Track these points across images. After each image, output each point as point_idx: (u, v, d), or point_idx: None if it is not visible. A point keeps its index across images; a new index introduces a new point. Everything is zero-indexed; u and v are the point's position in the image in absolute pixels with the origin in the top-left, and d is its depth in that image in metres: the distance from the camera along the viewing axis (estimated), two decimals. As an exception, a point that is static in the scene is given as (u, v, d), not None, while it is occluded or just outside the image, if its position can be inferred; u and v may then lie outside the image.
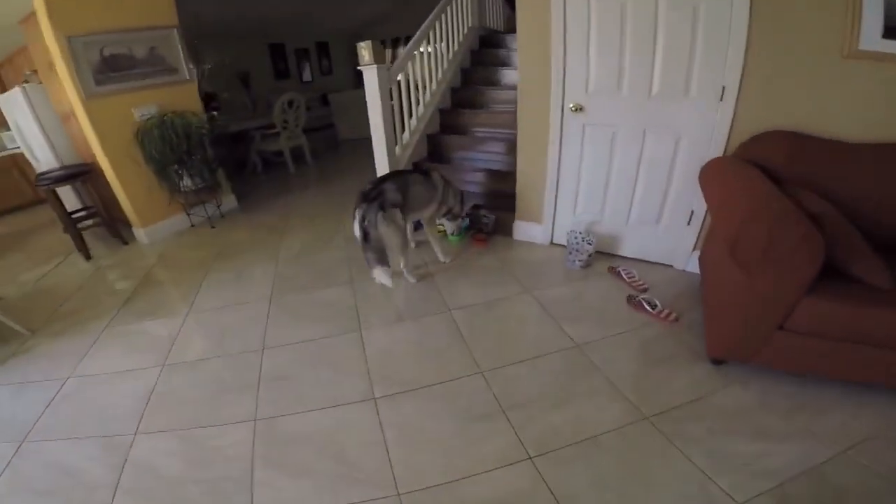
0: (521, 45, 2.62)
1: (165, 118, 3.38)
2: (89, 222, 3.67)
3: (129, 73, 3.34)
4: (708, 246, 2.44)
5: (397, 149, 3.47)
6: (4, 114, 4.07)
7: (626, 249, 2.83)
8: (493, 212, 3.18)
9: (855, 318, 1.52)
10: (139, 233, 3.71)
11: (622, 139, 2.52)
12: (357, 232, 2.31)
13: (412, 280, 2.67)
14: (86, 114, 3.18)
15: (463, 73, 4.28)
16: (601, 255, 2.83)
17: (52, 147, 3.78)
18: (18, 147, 4.41)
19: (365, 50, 2.89)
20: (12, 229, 4.51)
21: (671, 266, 2.70)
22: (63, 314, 2.77)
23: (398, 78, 3.26)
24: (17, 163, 5.01)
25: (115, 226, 3.70)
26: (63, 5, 2.95)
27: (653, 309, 2.27)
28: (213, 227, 3.87)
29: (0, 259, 3.82)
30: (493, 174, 3.43)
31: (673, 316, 2.22)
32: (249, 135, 5.32)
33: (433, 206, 2.71)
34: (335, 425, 1.77)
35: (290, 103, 5.07)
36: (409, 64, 3.39)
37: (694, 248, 2.59)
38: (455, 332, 2.26)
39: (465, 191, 3.34)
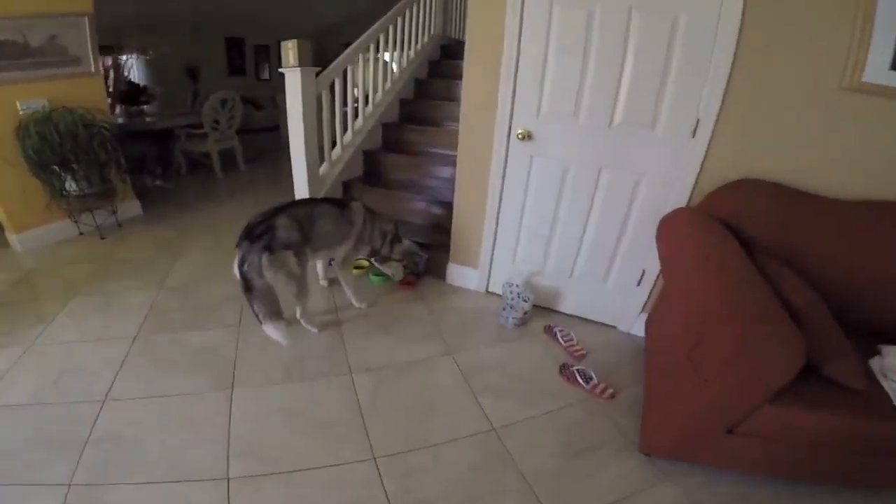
0: (468, 52, 2.25)
1: (52, 113, 2.88)
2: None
3: (17, 62, 2.85)
4: (657, 312, 2.16)
5: (324, 166, 3.08)
6: None
7: (568, 305, 2.51)
8: (429, 249, 2.81)
9: (822, 426, 1.29)
10: (12, 238, 3.14)
11: (574, 177, 2.21)
12: (237, 276, 1.89)
13: (313, 329, 2.26)
14: None
15: (417, 84, 3.93)
16: (540, 310, 2.52)
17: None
18: None
19: (290, 50, 2.51)
20: None
21: (615, 328, 2.43)
22: None
23: (333, 83, 2.88)
24: None
25: (-15, 229, 3.14)
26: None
27: (586, 382, 1.98)
28: (102, 238, 3.34)
29: None
30: (437, 204, 3.04)
31: (608, 392, 1.94)
32: (175, 133, 4.79)
33: (347, 245, 2.30)
34: None
35: (224, 102, 4.60)
36: (349, 69, 3.02)
37: (642, 311, 2.30)
38: (353, 401, 1.87)
39: (402, 221, 2.97)
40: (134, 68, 6.42)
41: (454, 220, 2.62)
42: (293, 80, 2.57)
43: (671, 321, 1.78)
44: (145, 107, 5.23)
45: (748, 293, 1.32)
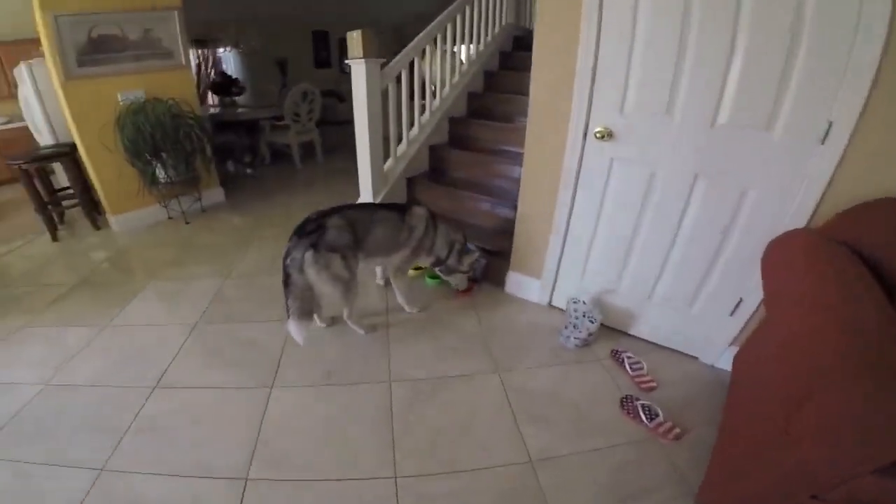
0: (538, 30, 1.99)
1: (146, 104, 3.13)
2: (66, 203, 3.53)
3: (118, 55, 3.15)
4: (752, 347, 1.79)
5: (389, 162, 3.01)
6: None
7: (643, 329, 2.20)
8: (489, 254, 2.63)
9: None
10: (111, 219, 3.52)
11: (663, 185, 1.88)
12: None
13: (360, 331, 2.20)
14: (63, 95, 3.03)
15: (487, 76, 3.72)
16: (609, 332, 2.24)
17: (50, 124, 3.66)
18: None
19: (355, 40, 2.45)
20: (6, 198, 4.50)
21: (696, 359, 2.08)
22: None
23: (399, 76, 2.80)
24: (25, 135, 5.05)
25: (91, 209, 3.53)
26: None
27: (650, 420, 1.71)
28: (187, 223, 3.61)
29: None
30: (502, 205, 2.83)
31: (674, 433, 1.66)
32: (259, 125, 5.06)
33: (403, 253, 2.19)
34: (188, 499, 1.45)
35: (304, 95, 4.76)
36: (416, 61, 2.91)
37: (732, 343, 1.94)
38: (386, 412, 1.78)
39: (462, 221, 2.83)
40: (228, 61, 6.94)
41: (517, 225, 2.41)
42: (358, 72, 2.51)
43: (768, 363, 1.44)
44: (236, 98, 5.61)
45: (882, 347, 0.99)
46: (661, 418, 1.70)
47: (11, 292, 2.68)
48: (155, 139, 3.10)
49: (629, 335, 2.23)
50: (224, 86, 5.39)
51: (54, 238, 3.39)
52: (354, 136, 2.70)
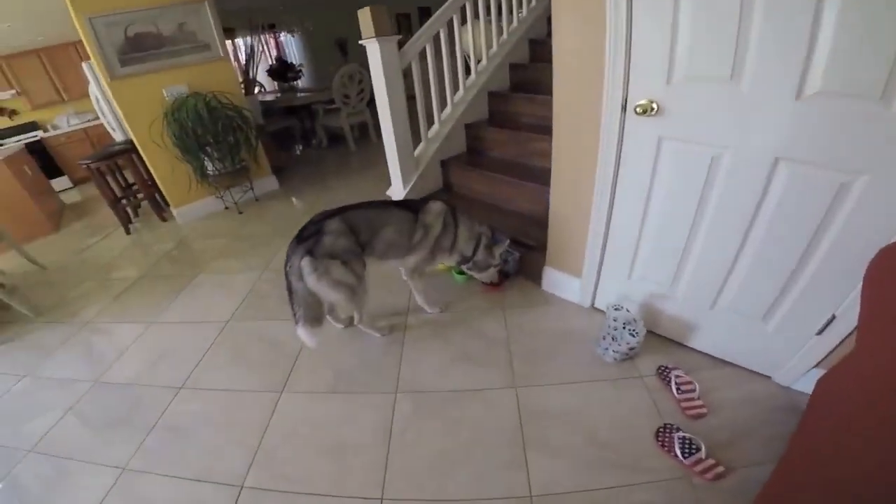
0: None
1: (187, 99, 3.26)
2: (133, 199, 3.89)
3: (157, 52, 3.29)
4: (841, 376, 1.40)
5: (420, 146, 2.85)
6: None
7: (703, 341, 1.85)
8: (523, 247, 2.39)
9: None
10: (175, 212, 3.80)
11: (730, 171, 1.47)
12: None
13: (375, 334, 2.12)
14: (112, 94, 3.24)
15: (532, 45, 3.32)
16: (660, 341, 1.92)
17: (118, 121, 4.01)
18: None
19: (365, 18, 2.29)
20: (87, 196, 5.07)
21: (769, 378, 1.72)
22: (70, 300, 2.90)
23: (424, 52, 2.59)
24: (89, 135, 5.70)
25: (157, 203, 3.85)
26: (82, -18, 2.90)
27: (687, 455, 1.44)
28: (240, 213, 3.79)
29: (65, 226, 4.31)
30: (546, 190, 2.53)
31: (714, 472, 1.39)
32: (312, 108, 5.13)
33: (419, 254, 2.03)
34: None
35: (351, 77, 4.69)
36: (442, 34, 2.67)
37: (817, 365, 1.56)
38: (385, 427, 1.70)
39: (499, 208, 2.60)
40: (290, 45, 7.10)
41: (551, 216, 2.13)
42: (372, 52, 2.36)
43: (857, 394, 1.10)
44: (295, 82, 5.74)
45: None
46: (701, 453, 1.43)
47: (86, 287, 3.01)
48: (196, 133, 3.23)
49: (686, 346, 1.89)
50: (280, 71, 5.53)
51: (127, 232, 3.76)
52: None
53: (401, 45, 2.47)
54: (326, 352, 2.08)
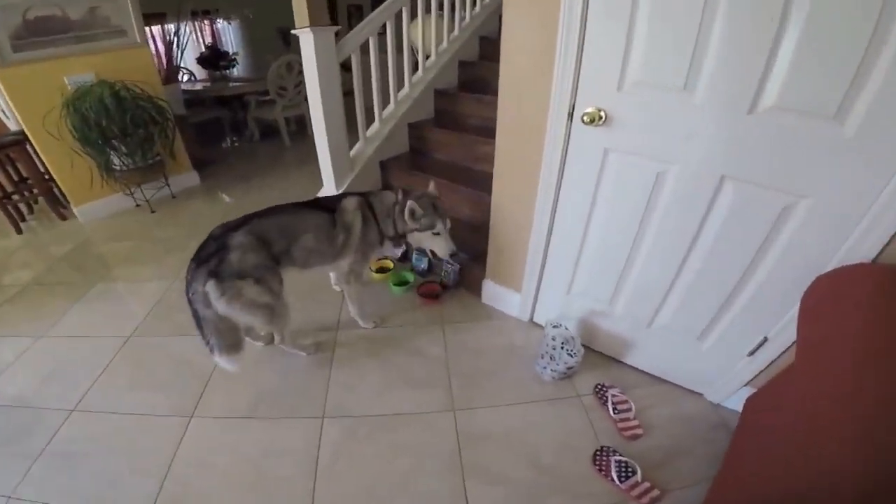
0: None
1: (92, 88, 2.91)
2: (27, 194, 3.42)
3: (62, 37, 2.93)
4: (770, 396, 1.44)
5: (358, 145, 2.70)
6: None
7: (639, 359, 1.86)
8: (464, 255, 2.30)
9: None
10: (76, 210, 3.39)
11: (675, 186, 1.44)
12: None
13: (300, 353, 1.95)
14: (1, 83, 2.83)
15: (483, 43, 3.27)
16: (598, 358, 1.92)
17: (12, 111, 3.53)
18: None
19: (299, 5, 2.12)
20: None
21: (700, 395, 1.76)
22: None
23: (366, 45, 2.45)
24: None
25: (54, 199, 3.42)
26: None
27: (623, 479, 1.43)
28: (153, 212, 3.44)
29: None
30: (488, 199, 2.45)
31: (649, 496, 1.38)
32: (245, 100, 4.81)
33: (351, 257, 1.87)
34: None
35: (290, 67, 4.44)
36: (389, 26, 2.54)
37: (747, 384, 1.60)
38: (311, 457, 1.55)
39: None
40: (227, 32, 6.67)
41: (491, 227, 2.06)
42: (305, 43, 2.19)
43: (791, 419, 1.11)
44: (227, 71, 5.36)
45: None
46: (637, 477, 1.43)
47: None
48: (101, 126, 2.88)
49: (623, 364, 1.90)
50: (211, 59, 5.15)
51: (18, 231, 3.30)
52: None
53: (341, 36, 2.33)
54: (244, 372, 1.86)
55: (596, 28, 1.38)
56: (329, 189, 2.65)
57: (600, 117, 1.49)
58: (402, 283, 2.35)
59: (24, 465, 1.55)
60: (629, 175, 1.54)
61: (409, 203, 1.77)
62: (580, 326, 1.92)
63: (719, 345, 1.62)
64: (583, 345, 1.84)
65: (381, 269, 2.47)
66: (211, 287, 1.48)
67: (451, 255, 1.85)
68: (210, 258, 1.52)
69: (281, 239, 1.67)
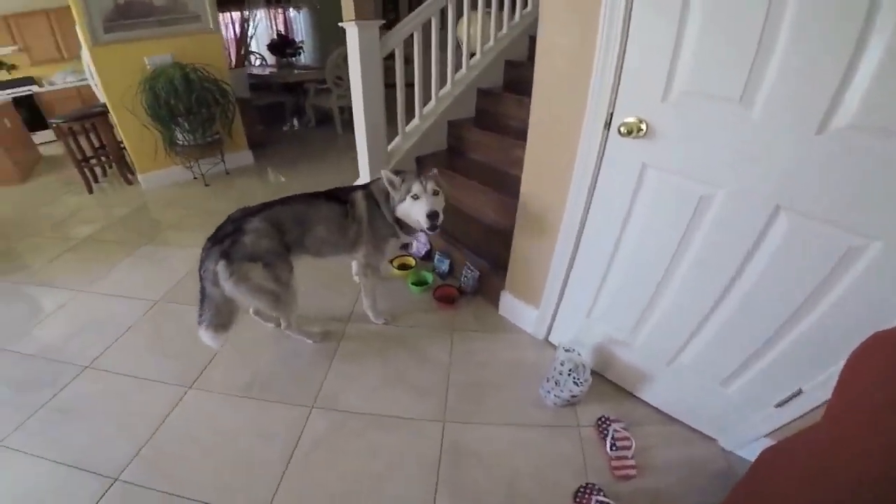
0: None
1: (166, 69, 3.15)
2: (103, 160, 3.76)
3: (144, 20, 3.21)
4: (790, 453, 1.25)
5: (395, 140, 2.69)
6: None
7: (654, 395, 1.71)
8: (485, 262, 2.23)
9: None
10: (140, 178, 3.66)
11: (720, 213, 1.27)
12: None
13: (307, 340, 1.97)
14: (92, 60, 3.17)
15: (533, 42, 3.12)
16: (609, 388, 1.78)
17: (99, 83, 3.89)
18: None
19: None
20: (59, 152, 4.91)
21: (714, 440, 1.59)
22: (16, 252, 2.81)
23: (411, 38, 2.44)
24: (81, 94, 5.58)
25: (124, 167, 3.72)
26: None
27: None
28: (206, 185, 3.65)
29: (34, 178, 4.21)
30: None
31: None
32: (304, 87, 4.98)
33: (364, 249, 1.86)
34: (51, 489, 1.42)
35: (346, 58, 4.50)
36: (434, 22, 2.51)
37: (767, 435, 1.42)
38: (290, 445, 1.56)
39: (473, 219, 2.44)
40: (298, 21, 6.94)
41: (515, 236, 1.97)
42: (351, 36, 2.20)
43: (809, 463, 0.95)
44: (293, 59, 5.57)
45: None
46: (617, 525, 1.30)
47: (28, 244, 2.88)
48: (169, 104, 3.11)
49: (635, 397, 1.75)
50: (279, 46, 5.38)
51: (90, 191, 3.63)
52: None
53: (389, 26, 2.33)
54: (250, 351, 1.95)
55: (641, 24, 1.23)
56: (364, 180, 2.66)
57: (640, 129, 1.33)
58: (420, 282, 2.31)
59: (24, 415, 1.65)
60: (668, 195, 1.37)
61: (383, 172, 1.72)
62: (596, 353, 1.79)
63: (746, 391, 1.44)
64: (596, 372, 1.73)
65: (404, 266, 2.45)
66: (221, 267, 1.54)
67: (429, 216, 1.67)
68: (225, 239, 1.58)
69: (295, 227, 1.70)
